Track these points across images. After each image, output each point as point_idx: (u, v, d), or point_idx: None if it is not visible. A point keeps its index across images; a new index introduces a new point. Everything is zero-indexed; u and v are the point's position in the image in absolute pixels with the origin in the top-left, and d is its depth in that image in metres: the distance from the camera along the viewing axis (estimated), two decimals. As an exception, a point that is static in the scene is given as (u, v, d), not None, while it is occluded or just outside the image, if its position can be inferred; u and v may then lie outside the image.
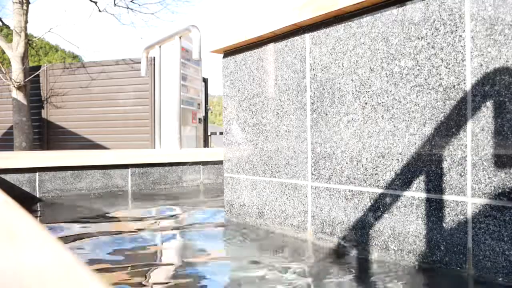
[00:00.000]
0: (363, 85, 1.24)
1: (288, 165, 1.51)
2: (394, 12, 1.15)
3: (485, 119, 0.96)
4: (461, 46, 1.00)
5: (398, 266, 1.12)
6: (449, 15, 1.03)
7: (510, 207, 0.92)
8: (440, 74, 1.05)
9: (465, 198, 1.00)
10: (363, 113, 1.23)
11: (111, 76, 7.05)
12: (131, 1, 8.46)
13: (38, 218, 1.92)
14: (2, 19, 7.60)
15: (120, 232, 1.60)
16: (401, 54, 1.13)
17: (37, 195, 2.36)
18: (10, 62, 6.92)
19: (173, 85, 3.46)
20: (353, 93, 1.27)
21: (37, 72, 7.39)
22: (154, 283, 1.03)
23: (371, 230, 1.22)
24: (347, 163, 1.28)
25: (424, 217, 1.09)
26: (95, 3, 7.98)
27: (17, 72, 6.70)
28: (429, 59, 1.07)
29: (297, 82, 1.46)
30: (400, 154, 1.14)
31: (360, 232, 1.25)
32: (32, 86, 7.29)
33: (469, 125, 0.99)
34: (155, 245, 1.43)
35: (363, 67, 1.23)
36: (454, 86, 1.02)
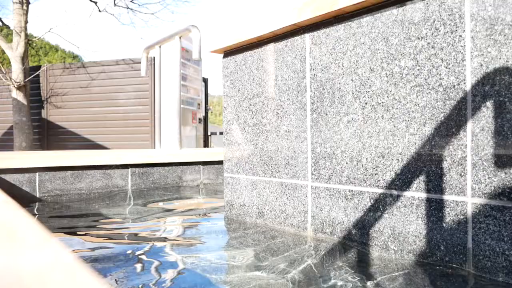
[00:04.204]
0: (363, 85, 1.24)
1: (288, 165, 1.51)
2: (394, 12, 1.15)
3: (485, 119, 0.96)
4: (461, 46, 1.00)
5: (398, 266, 1.12)
6: (449, 15, 1.03)
7: (510, 207, 0.92)
8: (440, 74, 1.05)
9: (465, 198, 1.00)
10: (363, 113, 1.23)
11: (111, 76, 7.05)
12: (131, 1, 8.46)
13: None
14: (2, 19, 7.61)
15: (118, 235, 1.60)
16: (401, 54, 1.13)
17: (37, 195, 2.35)
18: (10, 62, 6.92)
19: (173, 85, 3.46)
20: (353, 93, 1.26)
21: (37, 72, 7.39)
22: (150, 282, 1.03)
23: (371, 230, 1.22)
24: (347, 163, 1.28)
25: (424, 217, 1.09)
26: (95, 3, 7.98)
27: (17, 72, 6.70)
28: (429, 59, 1.07)
29: (297, 82, 1.46)
30: (400, 154, 1.14)
31: (360, 232, 1.25)
32: (32, 86, 7.29)
33: (469, 125, 0.99)
34: (152, 246, 1.43)
35: (363, 67, 1.23)
36: (454, 86, 1.02)
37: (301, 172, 1.45)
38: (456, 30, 1.01)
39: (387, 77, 1.17)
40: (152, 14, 8.82)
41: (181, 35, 3.36)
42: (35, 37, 8.13)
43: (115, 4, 8.27)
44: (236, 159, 1.77)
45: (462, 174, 1.00)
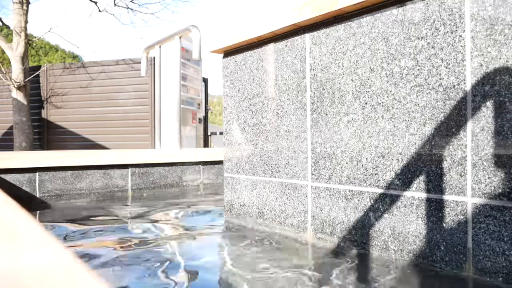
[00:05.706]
0: (363, 85, 1.24)
1: (288, 165, 1.51)
2: (394, 12, 1.15)
3: (485, 119, 0.96)
4: (461, 46, 1.00)
5: (398, 266, 1.12)
6: (449, 15, 1.03)
7: (510, 207, 0.92)
8: (440, 74, 1.05)
9: (465, 198, 1.00)
10: (363, 113, 1.23)
11: (111, 76, 7.05)
12: (131, 1, 8.46)
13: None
14: (2, 19, 7.60)
15: (118, 235, 1.60)
16: (401, 54, 1.13)
17: (37, 195, 2.35)
18: (10, 62, 6.92)
19: (173, 85, 3.46)
20: (353, 93, 1.26)
21: (37, 72, 7.39)
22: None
23: (371, 230, 1.22)
24: (347, 163, 1.28)
25: (424, 217, 1.09)
26: (95, 3, 7.97)
27: (17, 72, 6.70)
28: (429, 59, 1.07)
29: (297, 82, 1.46)
30: (400, 154, 1.14)
31: (360, 232, 1.25)
32: (32, 86, 7.29)
33: (469, 125, 0.99)
34: (153, 246, 1.43)
35: (363, 67, 1.23)
36: (454, 86, 1.02)
37: (301, 172, 1.45)
38: (456, 30, 1.01)
39: (387, 77, 1.17)
40: (152, 14, 8.81)
41: (181, 35, 3.35)
42: (35, 37, 8.13)
43: (115, 4, 8.26)
44: (236, 159, 1.77)
45: (462, 174, 1.00)
